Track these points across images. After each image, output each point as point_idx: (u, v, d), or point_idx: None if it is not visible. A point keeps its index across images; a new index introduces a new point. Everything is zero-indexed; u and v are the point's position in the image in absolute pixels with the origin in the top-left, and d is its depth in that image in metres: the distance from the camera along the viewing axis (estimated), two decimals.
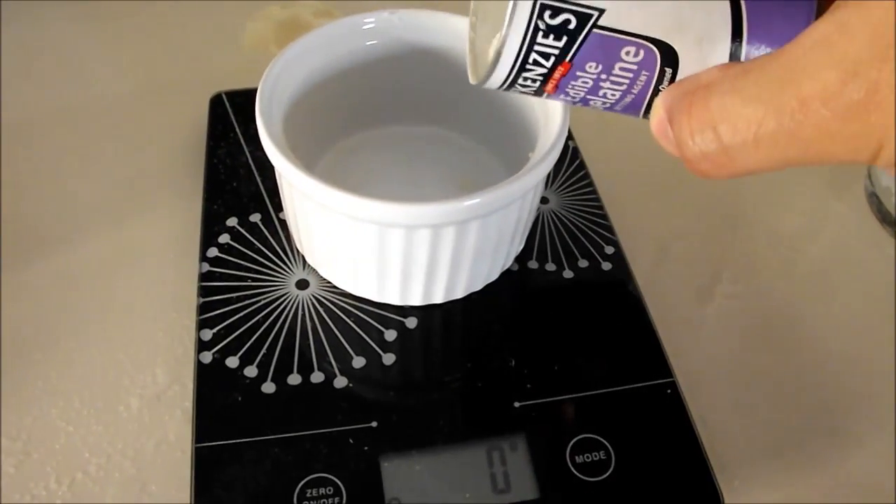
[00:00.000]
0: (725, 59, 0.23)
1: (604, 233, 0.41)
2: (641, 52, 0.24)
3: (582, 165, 0.44)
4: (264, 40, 0.56)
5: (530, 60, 0.24)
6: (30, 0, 0.59)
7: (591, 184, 0.43)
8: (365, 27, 0.38)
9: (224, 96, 0.47)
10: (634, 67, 0.24)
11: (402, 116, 0.41)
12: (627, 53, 0.24)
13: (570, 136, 0.45)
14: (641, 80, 0.24)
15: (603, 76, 0.24)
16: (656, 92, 0.24)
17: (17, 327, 0.39)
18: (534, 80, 0.25)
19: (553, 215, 0.41)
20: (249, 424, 0.33)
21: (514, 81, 0.26)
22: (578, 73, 0.24)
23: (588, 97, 0.25)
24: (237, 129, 0.45)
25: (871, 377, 0.39)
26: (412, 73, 0.39)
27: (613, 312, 0.38)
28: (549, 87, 0.25)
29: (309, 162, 0.32)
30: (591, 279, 0.39)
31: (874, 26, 0.18)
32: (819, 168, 0.49)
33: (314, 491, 0.31)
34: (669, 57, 0.24)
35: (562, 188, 0.43)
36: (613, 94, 0.25)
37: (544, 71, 0.25)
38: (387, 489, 0.31)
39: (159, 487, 0.34)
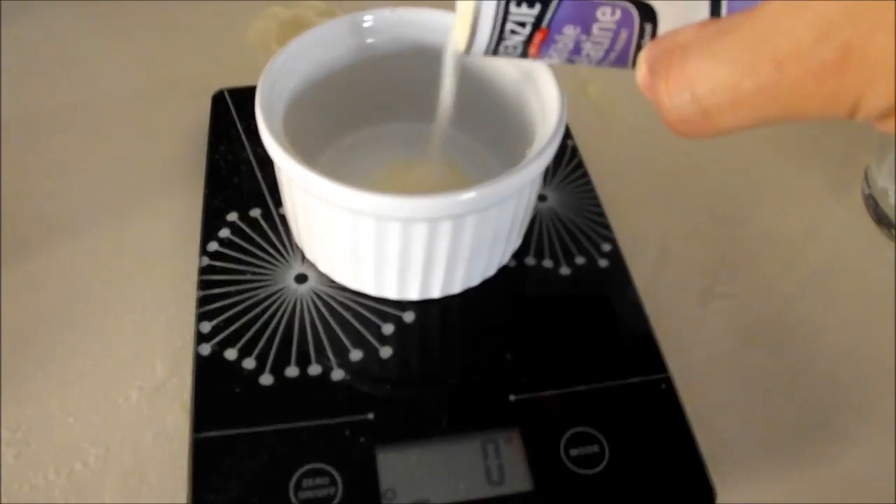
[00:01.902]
0: (706, 10, 0.24)
1: (601, 230, 0.41)
2: (618, 12, 0.24)
3: (580, 164, 0.44)
4: (267, 39, 0.56)
5: (507, 29, 0.25)
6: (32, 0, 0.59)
7: (588, 182, 0.43)
8: (365, 24, 0.38)
9: (226, 93, 0.47)
10: (613, 26, 0.24)
11: (402, 113, 0.42)
12: (604, 14, 0.24)
13: (568, 136, 0.46)
14: (622, 38, 0.25)
15: (583, 37, 0.25)
16: (639, 47, 0.25)
17: (18, 319, 0.39)
18: (514, 47, 0.26)
19: (551, 213, 0.42)
20: (247, 415, 0.33)
21: (497, 49, 0.26)
22: (557, 37, 0.25)
23: (572, 56, 0.26)
24: (238, 126, 0.45)
25: (866, 376, 0.39)
26: (411, 70, 0.40)
27: (609, 308, 0.38)
28: (532, 51, 0.26)
29: (309, 158, 0.32)
30: (588, 276, 0.39)
31: None
32: (817, 170, 0.50)
33: (310, 481, 0.31)
34: (647, 13, 0.24)
35: (560, 186, 0.43)
36: (596, 53, 0.26)
37: (523, 38, 0.25)
38: (382, 480, 0.32)
39: (158, 478, 0.34)
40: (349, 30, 0.38)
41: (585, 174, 0.44)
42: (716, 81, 0.21)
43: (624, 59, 0.26)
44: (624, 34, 0.25)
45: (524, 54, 0.26)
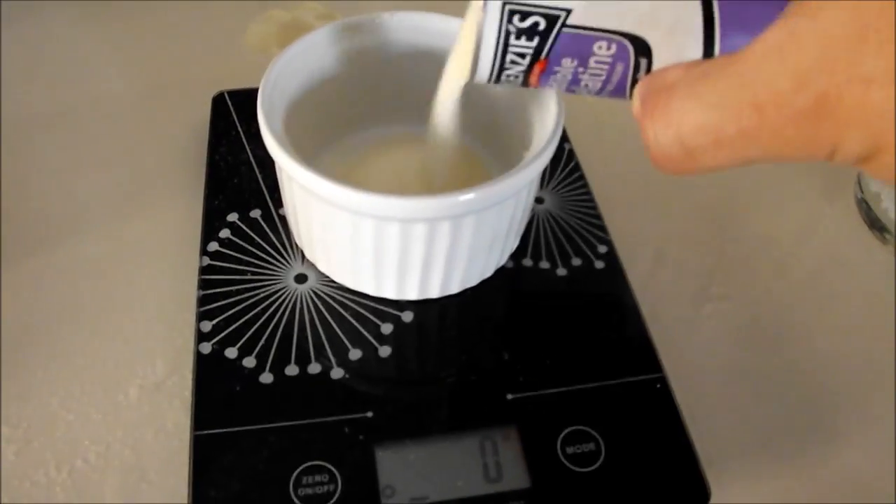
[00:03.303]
0: (699, 49, 0.24)
1: (597, 232, 0.41)
2: (614, 46, 0.25)
3: (577, 167, 0.45)
4: (266, 42, 0.57)
5: (507, 60, 0.26)
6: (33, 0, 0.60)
7: (585, 185, 0.44)
8: (364, 28, 0.38)
9: (226, 95, 0.48)
10: (609, 60, 0.25)
11: (401, 116, 0.42)
12: (600, 48, 0.25)
13: (566, 139, 0.46)
14: (618, 71, 0.26)
15: (580, 69, 0.26)
16: (635, 80, 0.26)
17: (20, 318, 0.40)
18: (516, 76, 0.27)
19: (548, 215, 0.42)
20: (247, 413, 0.33)
21: (499, 78, 0.27)
22: (556, 68, 0.26)
23: (571, 87, 0.27)
24: (239, 128, 0.46)
25: (860, 376, 0.40)
26: (410, 73, 0.40)
27: (605, 309, 0.38)
28: (532, 80, 0.27)
29: (309, 159, 0.32)
30: (584, 277, 0.39)
31: (822, 36, 0.19)
32: (811, 174, 0.50)
33: (310, 478, 0.32)
34: (642, 48, 0.25)
35: (557, 189, 0.44)
36: (594, 85, 0.26)
37: (523, 68, 0.26)
38: (381, 477, 0.32)
39: (158, 475, 0.35)
40: (349, 33, 0.38)
41: (582, 177, 0.44)
42: (699, 123, 0.21)
43: (622, 91, 0.26)
44: (620, 67, 0.25)
45: (525, 83, 0.27)
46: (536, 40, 0.25)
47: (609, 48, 0.25)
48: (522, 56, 0.26)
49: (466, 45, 0.28)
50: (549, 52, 0.25)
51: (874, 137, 0.19)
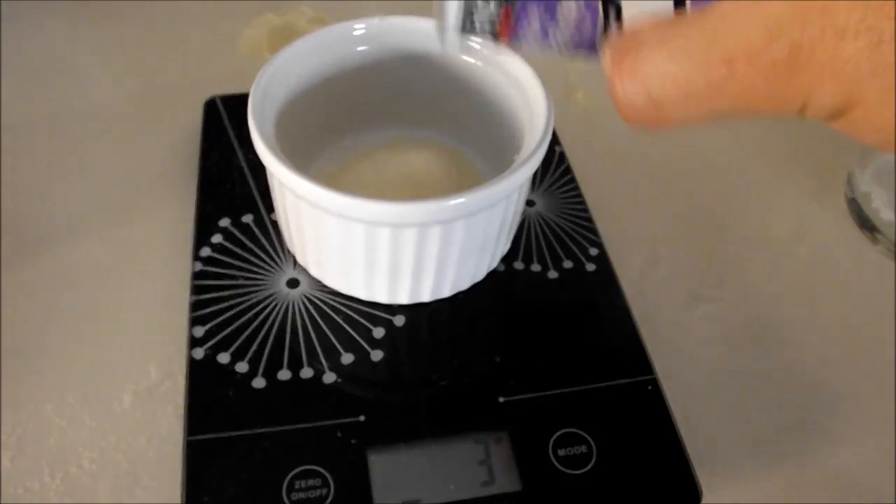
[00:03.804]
0: (670, 2, 0.25)
1: (588, 235, 0.42)
2: None
3: (568, 170, 0.45)
4: (259, 47, 0.57)
5: (477, 2, 0.27)
6: (26, 1, 0.60)
7: (576, 188, 0.44)
8: (356, 33, 0.39)
9: (218, 100, 0.48)
10: (576, 12, 0.26)
11: (392, 120, 0.42)
12: None
13: (557, 142, 0.46)
14: (587, 24, 0.26)
15: (549, 19, 0.26)
16: (605, 33, 0.26)
17: (13, 323, 0.40)
18: (484, 24, 0.28)
19: (539, 218, 0.42)
20: (240, 418, 0.34)
21: (471, 25, 0.28)
22: (524, 19, 0.26)
23: (542, 41, 0.27)
24: (230, 133, 0.46)
25: (851, 377, 0.40)
26: (402, 78, 0.40)
27: (596, 311, 0.39)
28: (502, 30, 0.27)
29: (300, 164, 0.32)
30: (576, 280, 0.40)
31: None
32: (802, 175, 0.50)
33: (303, 482, 0.32)
34: (611, 1, 0.25)
35: (548, 192, 0.44)
36: (563, 38, 0.27)
37: (491, 13, 0.27)
38: (374, 481, 0.32)
39: (151, 481, 0.35)
40: (340, 38, 0.38)
41: (573, 180, 0.44)
42: (668, 75, 0.21)
43: (592, 46, 0.26)
44: (588, 20, 0.26)
45: (495, 34, 0.28)
46: None
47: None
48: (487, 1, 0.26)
49: None
50: None
51: (847, 90, 0.19)
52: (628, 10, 0.25)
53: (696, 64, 0.21)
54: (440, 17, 0.29)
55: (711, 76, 0.20)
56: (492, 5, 0.27)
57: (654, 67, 0.22)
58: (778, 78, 0.19)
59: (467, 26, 0.28)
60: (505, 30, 0.27)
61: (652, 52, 0.22)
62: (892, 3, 0.18)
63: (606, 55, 0.24)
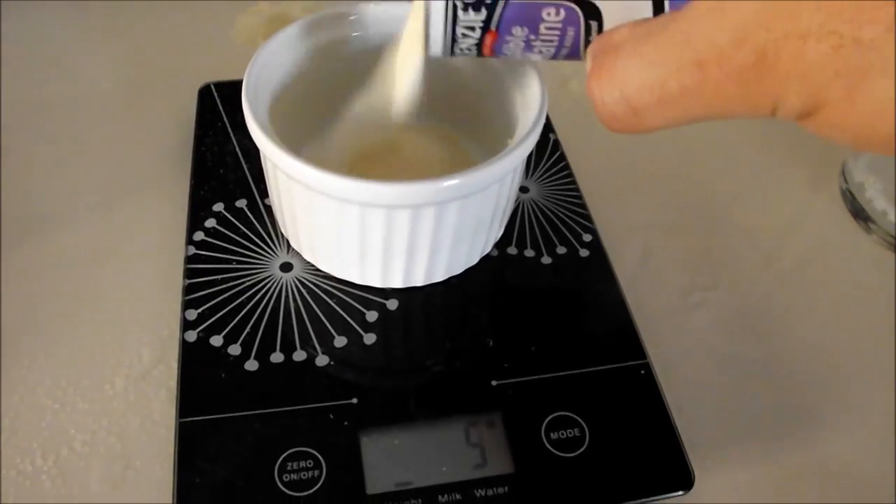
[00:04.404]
0: (649, 8, 0.25)
1: (582, 221, 0.42)
2: (562, 11, 0.25)
3: (562, 157, 0.45)
4: (253, 35, 0.57)
5: (458, 34, 0.27)
6: None
7: (570, 174, 0.44)
8: (350, 18, 0.38)
9: (212, 87, 0.48)
10: (559, 25, 0.26)
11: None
12: (549, 14, 0.25)
13: (551, 129, 0.46)
14: (570, 35, 0.26)
15: (532, 36, 0.26)
16: (587, 42, 0.26)
17: (6, 308, 0.40)
18: (469, 49, 0.28)
19: (533, 204, 0.42)
20: (232, 400, 0.34)
21: (452, 51, 0.28)
22: (507, 38, 0.26)
23: (525, 53, 0.27)
24: (225, 119, 0.46)
25: (843, 365, 0.40)
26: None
27: (590, 297, 0.39)
28: (486, 51, 0.28)
29: (294, 148, 0.32)
30: (569, 265, 0.40)
31: None
32: (796, 165, 0.50)
33: (295, 464, 0.32)
34: (592, 11, 0.25)
35: (542, 178, 0.44)
36: (548, 50, 0.27)
37: (474, 41, 0.27)
38: (366, 463, 0.32)
39: (144, 463, 0.35)
40: (335, 23, 0.38)
41: (567, 167, 0.44)
42: (643, 82, 0.22)
43: (576, 54, 0.27)
44: (571, 32, 0.26)
45: (479, 54, 0.28)
46: (484, 12, 0.26)
47: (558, 13, 0.25)
48: (472, 28, 0.26)
49: (417, 23, 0.28)
50: (498, 22, 0.26)
51: (813, 93, 0.19)
52: (609, 20, 0.25)
53: (669, 70, 0.21)
54: (426, 44, 0.29)
55: (685, 81, 0.21)
56: (476, 33, 0.27)
57: (630, 75, 0.22)
58: (747, 82, 0.20)
59: (454, 52, 0.28)
60: (489, 50, 0.28)
61: (627, 60, 0.22)
62: (852, 6, 0.18)
63: (588, 63, 0.25)
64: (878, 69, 0.18)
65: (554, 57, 0.27)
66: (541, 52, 0.27)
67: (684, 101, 0.21)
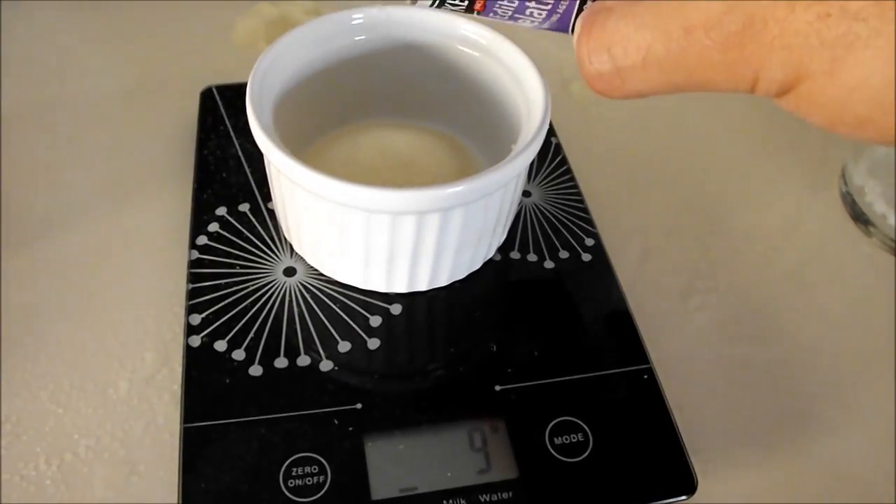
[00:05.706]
0: None
1: (584, 225, 0.42)
2: None
3: (564, 161, 0.45)
4: (254, 38, 0.57)
5: None
6: None
7: (572, 178, 0.44)
8: (354, 22, 0.39)
9: (214, 90, 0.48)
10: None
11: (389, 109, 0.42)
12: None
13: (553, 133, 0.46)
14: (565, 4, 0.26)
15: None
16: (581, 10, 0.26)
17: (9, 311, 0.40)
18: (461, 1, 0.27)
19: (535, 208, 0.42)
20: (237, 405, 0.34)
21: (442, 3, 0.27)
22: None
23: (516, 15, 0.27)
24: (227, 122, 0.46)
25: (844, 368, 0.40)
26: (400, 68, 0.40)
27: (592, 301, 0.39)
28: (478, 5, 0.27)
29: (297, 152, 0.33)
30: (572, 269, 0.40)
31: None
32: (796, 168, 0.51)
33: (300, 470, 0.32)
34: None
35: (544, 183, 0.44)
36: (540, 14, 0.26)
37: None
38: (370, 469, 0.32)
39: (148, 468, 0.35)
40: (338, 27, 0.38)
41: (569, 171, 0.45)
42: (630, 42, 0.22)
43: (566, 22, 0.26)
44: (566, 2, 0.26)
45: (469, 8, 0.27)
46: None
47: None
48: None
49: None
50: None
51: (796, 63, 0.19)
52: None
53: (657, 32, 0.21)
54: None
55: (671, 45, 0.21)
56: None
57: (619, 34, 0.22)
58: (731, 49, 0.20)
59: (444, 3, 0.27)
60: (480, 4, 0.27)
61: (618, 20, 0.23)
62: None
63: (577, 24, 0.25)
64: (862, 40, 0.18)
65: (544, 22, 0.27)
66: (532, 14, 0.26)
67: (668, 66, 0.22)
